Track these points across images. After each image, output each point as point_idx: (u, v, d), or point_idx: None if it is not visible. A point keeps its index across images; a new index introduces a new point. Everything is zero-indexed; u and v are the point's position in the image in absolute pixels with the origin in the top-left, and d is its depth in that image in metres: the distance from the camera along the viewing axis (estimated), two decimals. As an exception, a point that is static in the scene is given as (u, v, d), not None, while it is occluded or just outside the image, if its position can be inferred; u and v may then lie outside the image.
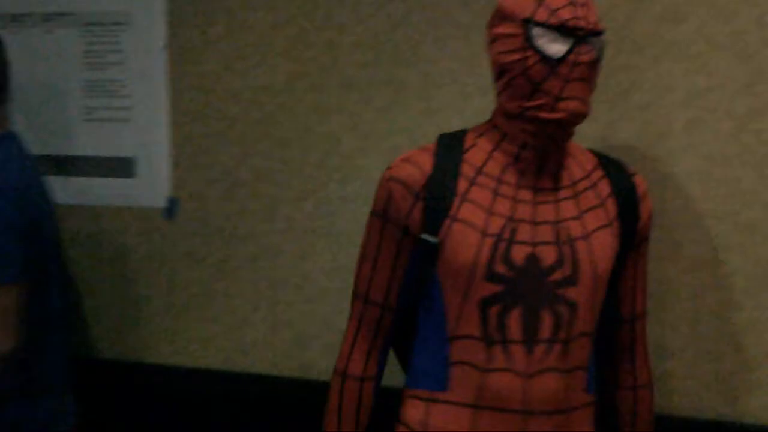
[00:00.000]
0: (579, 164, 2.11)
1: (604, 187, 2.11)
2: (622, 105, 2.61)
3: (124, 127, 3.06)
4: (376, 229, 2.09)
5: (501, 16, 2.00)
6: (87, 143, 3.10)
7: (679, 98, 2.56)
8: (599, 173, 2.13)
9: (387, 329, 2.15)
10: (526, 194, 2.02)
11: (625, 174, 2.15)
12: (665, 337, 2.62)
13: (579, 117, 1.94)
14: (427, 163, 2.05)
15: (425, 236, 2.01)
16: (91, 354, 3.22)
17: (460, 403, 2.03)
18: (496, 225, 1.99)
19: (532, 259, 1.99)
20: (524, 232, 2.00)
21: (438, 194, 2.01)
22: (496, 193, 2.01)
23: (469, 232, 1.98)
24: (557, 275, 2.00)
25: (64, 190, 3.14)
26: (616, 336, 2.27)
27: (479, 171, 2.03)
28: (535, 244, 2.00)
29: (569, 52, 1.91)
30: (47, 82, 3.09)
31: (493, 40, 2.02)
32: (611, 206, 2.10)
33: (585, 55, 1.92)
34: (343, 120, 2.86)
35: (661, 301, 2.61)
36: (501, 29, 1.99)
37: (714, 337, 2.58)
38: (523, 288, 1.98)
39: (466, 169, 2.03)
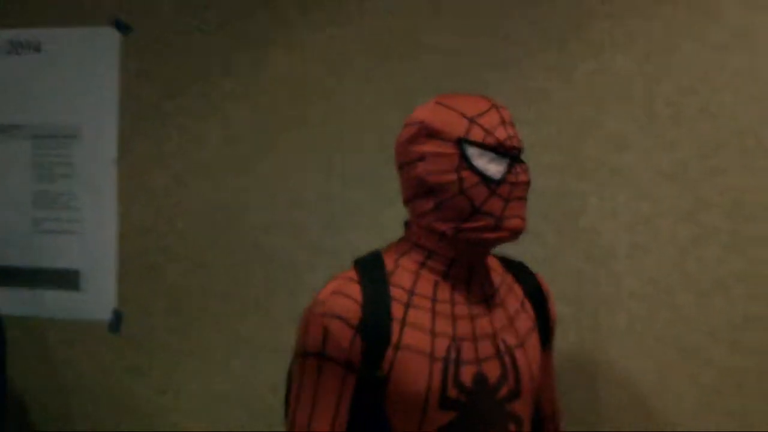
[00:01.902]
0: (493, 270, 2.05)
1: (518, 290, 2.07)
2: (568, 230, 2.64)
3: (71, 239, 3.04)
4: (311, 370, 1.88)
5: (428, 133, 1.91)
6: (35, 255, 3.08)
7: (624, 223, 2.59)
8: (509, 276, 2.08)
9: None
10: (462, 309, 1.94)
11: (529, 274, 2.13)
12: (611, 461, 2.62)
13: (519, 234, 1.91)
14: (356, 292, 1.88)
15: (372, 371, 1.87)
16: (31, 467, 3.15)
17: None
18: (441, 347, 1.89)
19: (480, 378, 1.91)
20: (468, 350, 1.91)
21: (375, 323, 1.87)
22: (434, 313, 1.91)
23: (417, 359, 1.87)
24: (504, 391, 1.93)
25: (10, 300, 3.10)
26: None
27: (411, 293, 1.92)
28: (480, 362, 1.92)
29: (507, 172, 1.88)
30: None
31: (419, 158, 1.92)
32: (528, 307, 2.06)
33: (523, 174, 1.89)
34: (292, 235, 2.87)
35: (607, 422, 2.61)
36: (429, 148, 1.90)
37: (659, 462, 2.58)
38: (476, 412, 1.89)
39: (397, 293, 1.91)
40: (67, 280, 3.04)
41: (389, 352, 1.87)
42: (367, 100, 2.81)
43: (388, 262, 1.96)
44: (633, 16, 2.60)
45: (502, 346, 1.95)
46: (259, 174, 2.90)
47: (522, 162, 1.91)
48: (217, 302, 2.94)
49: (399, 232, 2.77)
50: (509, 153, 1.90)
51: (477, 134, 1.88)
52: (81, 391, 3.08)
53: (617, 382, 2.60)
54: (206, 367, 2.96)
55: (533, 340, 2.02)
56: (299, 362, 1.90)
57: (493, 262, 2.08)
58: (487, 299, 1.98)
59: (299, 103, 2.87)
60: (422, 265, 1.95)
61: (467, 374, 1.90)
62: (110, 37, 3.02)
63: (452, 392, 1.87)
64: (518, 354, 1.97)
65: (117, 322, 3.01)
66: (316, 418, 1.89)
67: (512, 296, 2.04)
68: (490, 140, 1.88)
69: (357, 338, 1.86)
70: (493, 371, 1.93)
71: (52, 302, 3.07)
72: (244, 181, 2.91)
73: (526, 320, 2.03)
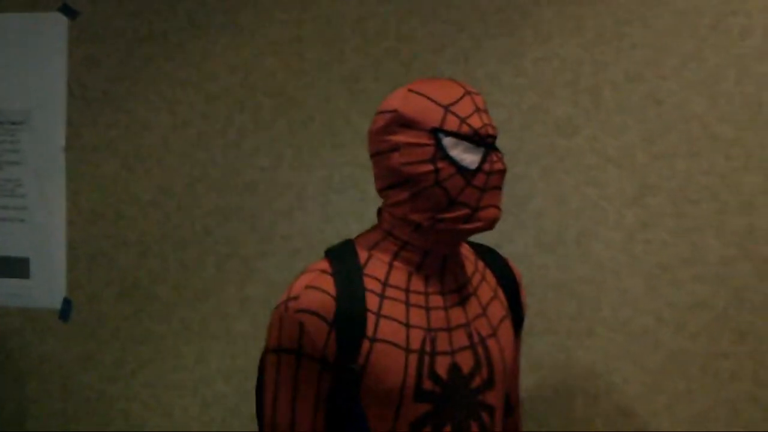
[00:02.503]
0: (466, 258, 2.02)
1: (491, 277, 2.05)
2: (516, 214, 2.65)
3: (19, 226, 3.01)
4: (288, 367, 1.86)
5: (402, 123, 1.88)
6: (-19, 242, 3.05)
7: (571, 209, 2.61)
8: (481, 263, 2.06)
9: None
10: (436, 300, 1.91)
11: (501, 260, 2.10)
12: (559, 444, 2.64)
13: (495, 223, 1.88)
14: (330, 285, 1.86)
15: (347, 364, 1.85)
16: (-20, 457, 3.13)
17: None
18: (416, 338, 1.86)
19: (454, 369, 1.89)
20: (443, 341, 1.89)
21: (351, 317, 1.84)
22: (408, 305, 1.88)
23: (393, 351, 1.84)
24: (477, 381, 1.91)
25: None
26: (505, 425, 2.19)
27: (385, 284, 1.89)
28: (454, 352, 1.90)
29: (483, 161, 1.85)
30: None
31: (393, 149, 1.89)
32: (502, 295, 2.04)
33: (498, 162, 1.85)
34: (243, 223, 2.86)
35: (557, 407, 2.63)
36: (404, 138, 1.87)
37: (607, 444, 2.61)
38: (451, 403, 1.88)
39: (371, 284, 1.88)
40: (16, 268, 3.01)
41: (365, 345, 1.84)
42: (318, 88, 2.80)
43: (361, 253, 1.94)
44: (581, 3, 2.62)
45: (475, 336, 1.93)
46: (209, 160, 2.89)
47: (497, 150, 1.88)
48: (167, 290, 2.93)
49: (349, 219, 2.77)
50: (484, 141, 1.86)
51: (452, 123, 1.85)
52: (32, 380, 3.06)
53: (565, 367, 2.63)
54: (157, 355, 2.95)
55: (506, 329, 2.00)
56: (274, 358, 1.87)
57: (465, 249, 2.05)
58: (461, 289, 1.96)
59: (248, 89, 2.86)
60: (396, 255, 1.92)
61: (442, 366, 1.88)
62: (58, 22, 2.99)
63: (427, 384, 1.86)
64: (491, 343, 1.95)
65: (67, 310, 2.99)
66: (297, 416, 1.88)
67: (485, 284, 2.02)
68: (465, 129, 1.84)
69: (332, 333, 1.83)
70: (466, 362, 1.91)
71: (1, 290, 3.04)
72: (193, 167, 2.90)
73: (498, 308, 2.01)
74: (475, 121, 1.85)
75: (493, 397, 1.95)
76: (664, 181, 2.57)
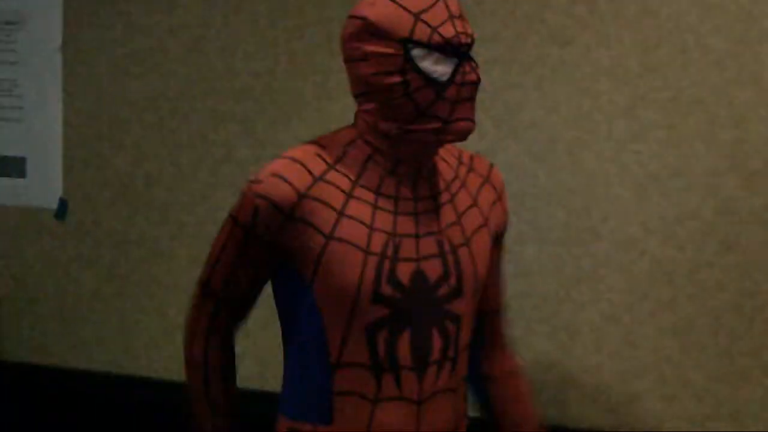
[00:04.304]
0: (446, 163, 1.98)
1: (473, 183, 1.99)
2: (508, 123, 2.67)
3: (15, 126, 3.03)
4: (236, 237, 1.89)
5: (370, 31, 1.81)
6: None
7: (563, 119, 2.63)
8: (464, 168, 2.00)
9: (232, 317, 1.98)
10: (406, 206, 1.88)
11: (486, 165, 2.04)
12: (546, 349, 2.70)
13: (468, 135, 1.84)
14: (296, 177, 1.83)
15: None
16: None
17: None
18: (378, 242, 1.83)
19: (419, 276, 1.86)
20: (408, 248, 1.86)
21: (311, 211, 1.83)
22: (375, 207, 1.85)
23: (351, 252, 1.82)
24: (444, 289, 1.88)
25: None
26: (482, 331, 2.15)
27: (355, 183, 1.86)
28: (420, 260, 1.87)
29: (455, 72, 1.78)
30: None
31: (362, 58, 1.83)
32: (483, 202, 1.99)
33: (471, 74, 1.79)
34: (238, 128, 2.88)
35: (543, 312, 2.68)
36: (372, 47, 1.81)
37: (593, 350, 2.67)
38: (412, 309, 1.85)
39: (340, 181, 1.85)
40: (12, 167, 3.04)
41: (322, 241, 1.83)
42: (314, -8, 2.81)
43: (336, 148, 1.89)
44: None
45: (446, 245, 1.90)
46: (204, 63, 2.90)
47: (471, 59, 1.82)
48: (162, 193, 2.96)
49: (345, 126, 2.78)
50: (457, 51, 1.78)
51: (422, 33, 1.77)
52: (28, 278, 3.11)
53: (553, 273, 2.67)
54: (151, 256, 2.99)
55: (481, 238, 1.96)
56: (229, 224, 1.89)
57: (446, 153, 2.00)
58: (435, 196, 1.92)
59: (245, -7, 2.86)
60: (369, 158, 1.87)
61: (405, 271, 1.86)
62: None
63: (386, 289, 1.84)
64: (462, 252, 1.92)
65: (63, 209, 3.03)
66: (232, 282, 1.92)
67: (464, 192, 1.97)
68: (436, 39, 1.76)
69: (287, 224, 1.83)
70: (433, 270, 1.89)
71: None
72: (189, 70, 2.91)
73: (476, 217, 1.97)
74: (447, 30, 1.78)
75: (462, 307, 1.92)
76: (655, 93, 2.58)
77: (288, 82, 2.83)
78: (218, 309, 1.95)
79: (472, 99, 1.83)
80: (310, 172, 1.84)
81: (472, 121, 1.84)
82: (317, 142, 1.91)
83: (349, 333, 1.86)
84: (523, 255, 2.70)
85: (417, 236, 1.88)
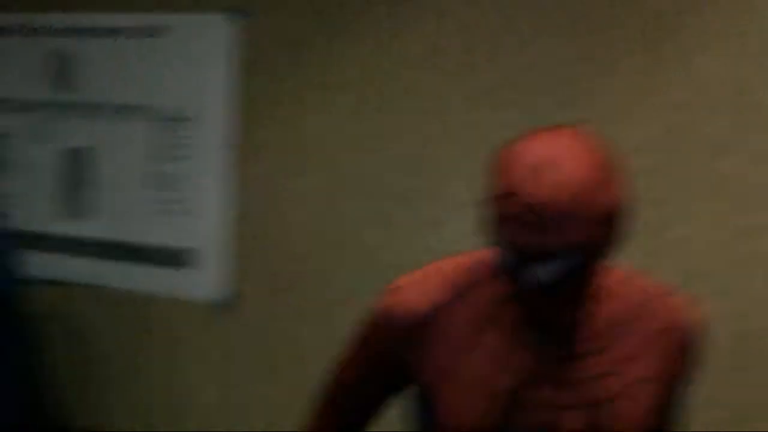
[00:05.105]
0: (623, 303, 1.77)
1: (649, 326, 1.77)
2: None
3: (186, 219, 3.19)
4: (361, 344, 1.79)
5: None
6: (152, 232, 3.23)
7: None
8: (644, 310, 1.78)
9: None
10: (547, 349, 1.70)
11: (670, 309, 1.79)
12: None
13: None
14: (426, 300, 1.72)
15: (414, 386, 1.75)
16: None
17: None
18: (506, 379, 1.68)
19: (550, 429, 1.69)
20: (543, 391, 1.69)
21: (442, 332, 1.71)
22: (511, 338, 1.69)
23: (470, 388, 1.69)
24: None
25: (120, 275, 3.28)
26: None
27: (488, 318, 1.71)
28: (555, 408, 1.69)
29: None
30: (117, 171, 3.25)
31: None
32: (656, 351, 1.77)
33: None
34: (390, 230, 2.99)
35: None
36: None
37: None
38: None
39: (475, 308, 1.72)
40: (181, 258, 3.19)
41: (444, 373, 1.71)
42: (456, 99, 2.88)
43: (476, 275, 1.75)
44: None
45: (590, 396, 1.71)
46: (357, 164, 3.01)
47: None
48: (330, 292, 3.07)
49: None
50: None
51: None
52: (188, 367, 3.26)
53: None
54: (299, 356, 3.10)
55: (644, 391, 1.74)
56: (363, 328, 1.79)
57: (625, 292, 1.78)
58: (586, 339, 1.72)
59: (392, 92, 2.97)
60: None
61: (534, 420, 1.69)
62: (227, 24, 3.13)
63: None
64: (612, 407, 1.71)
65: (229, 302, 3.15)
66: (354, 386, 1.81)
67: (634, 338, 1.75)
68: None
69: (410, 348, 1.72)
70: (571, 422, 1.69)
71: (168, 280, 3.22)
72: (346, 170, 3.03)
73: (640, 368, 1.75)
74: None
75: None
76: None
77: (438, 186, 2.91)
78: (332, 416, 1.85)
79: None
80: (440, 297, 1.72)
81: None
82: (458, 261, 1.78)
83: None
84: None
85: (556, 383, 1.70)
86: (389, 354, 1.73)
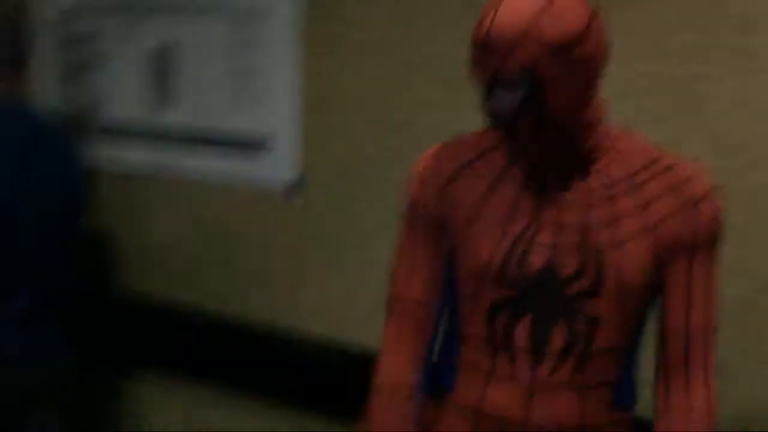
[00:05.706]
0: (623, 162, 1.94)
1: (651, 189, 1.91)
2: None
3: (260, 108, 3.31)
4: (410, 221, 2.07)
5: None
6: (228, 123, 3.39)
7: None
8: (648, 173, 1.92)
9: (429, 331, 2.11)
10: (554, 196, 1.92)
11: (680, 175, 1.92)
12: (742, 354, 2.58)
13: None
14: (452, 158, 2.01)
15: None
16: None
17: (463, 406, 2.02)
18: (518, 224, 1.92)
19: (549, 267, 1.90)
20: (546, 235, 1.91)
21: (463, 188, 1.97)
22: (522, 189, 1.93)
23: (489, 230, 1.93)
24: (574, 288, 1.89)
25: (198, 163, 3.47)
26: (664, 353, 2.00)
27: (506, 167, 1.96)
28: (555, 250, 1.90)
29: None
30: (199, 66, 3.43)
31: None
32: (656, 210, 1.91)
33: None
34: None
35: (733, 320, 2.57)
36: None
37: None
38: (537, 298, 1.90)
39: (492, 164, 1.98)
40: (255, 144, 3.32)
41: (467, 217, 1.99)
42: None
43: (490, 138, 2.02)
44: None
45: (589, 241, 1.89)
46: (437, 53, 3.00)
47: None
48: (399, 173, 3.11)
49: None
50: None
51: None
52: (260, 251, 3.41)
53: (743, 276, 2.54)
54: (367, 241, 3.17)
55: (638, 246, 1.89)
56: (403, 212, 2.10)
57: (632, 152, 1.95)
58: (591, 190, 1.92)
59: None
60: (523, 147, 1.89)
61: (536, 258, 1.91)
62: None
63: (513, 271, 1.91)
64: (608, 255, 1.88)
65: (297, 187, 3.27)
66: (413, 272, 2.09)
67: (635, 195, 1.91)
68: None
69: (445, 192, 2.01)
70: (567, 263, 1.90)
71: (241, 164, 3.37)
72: (422, 60, 3.03)
73: (637, 223, 1.90)
74: None
75: (600, 308, 1.90)
76: None
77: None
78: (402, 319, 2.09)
79: None
80: (465, 153, 2.02)
81: None
82: (474, 132, 2.06)
83: (474, 307, 1.97)
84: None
85: (559, 226, 1.91)
86: (428, 215, 2.02)
